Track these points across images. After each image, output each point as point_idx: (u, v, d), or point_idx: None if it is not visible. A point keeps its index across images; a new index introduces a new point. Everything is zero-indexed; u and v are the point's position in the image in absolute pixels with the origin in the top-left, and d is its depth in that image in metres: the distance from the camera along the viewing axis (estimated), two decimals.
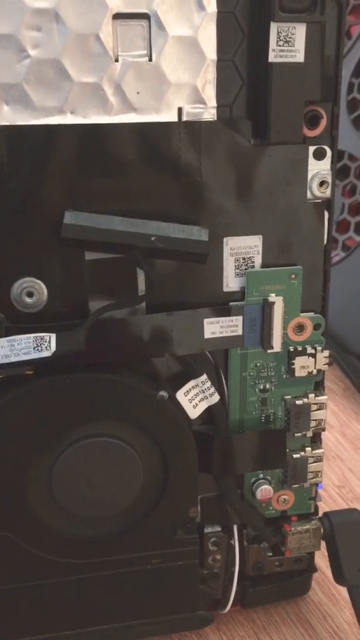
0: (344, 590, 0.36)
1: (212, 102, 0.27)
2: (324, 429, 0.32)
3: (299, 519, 0.33)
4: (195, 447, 0.30)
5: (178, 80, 0.26)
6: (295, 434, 0.31)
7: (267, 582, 0.35)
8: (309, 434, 0.32)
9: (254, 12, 0.25)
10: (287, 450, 0.31)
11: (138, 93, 0.26)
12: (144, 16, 0.25)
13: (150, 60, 0.26)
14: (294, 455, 0.32)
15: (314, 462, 0.32)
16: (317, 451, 0.32)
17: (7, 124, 0.25)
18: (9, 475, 0.28)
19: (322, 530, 0.33)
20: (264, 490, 0.32)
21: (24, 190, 0.26)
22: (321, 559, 0.35)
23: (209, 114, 0.27)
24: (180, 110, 0.26)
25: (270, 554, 0.34)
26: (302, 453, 0.32)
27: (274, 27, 0.25)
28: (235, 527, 0.32)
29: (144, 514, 0.30)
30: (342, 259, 0.52)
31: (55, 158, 0.26)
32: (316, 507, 0.34)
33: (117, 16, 0.25)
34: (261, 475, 0.32)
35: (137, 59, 0.25)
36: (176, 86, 0.26)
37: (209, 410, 0.30)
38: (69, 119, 0.25)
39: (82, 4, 0.24)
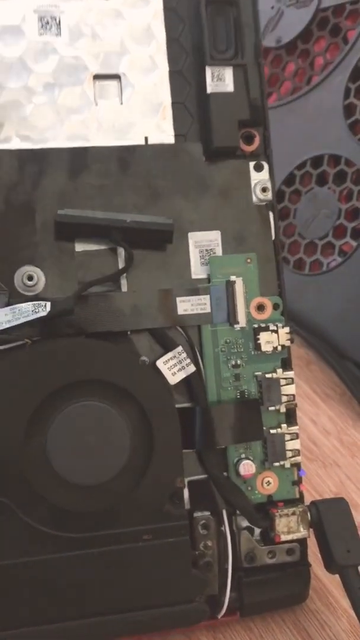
0: (342, 598, 0.36)
1: (171, 132, 0.35)
2: (295, 405, 0.35)
3: (286, 504, 0.34)
4: (177, 414, 0.33)
5: (143, 117, 0.35)
6: (269, 408, 0.34)
7: (264, 589, 0.35)
8: (282, 409, 0.35)
9: (196, 66, 0.35)
10: (264, 427, 0.34)
11: (113, 126, 0.35)
12: (116, 76, 0.35)
13: (121, 103, 0.35)
14: (271, 431, 0.34)
15: (291, 439, 0.35)
16: (293, 428, 0.35)
17: (17, 148, 0.33)
18: (5, 441, 0.31)
19: (309, 516, 0.34)
20: (246, 466, 0.34)
21: (28, 197, 0.33)
22: (318, 565, 0.35)
23: (169, 141, 0.35)
24: (146, 138, 0.35)
25: (262, 544, 0.34)
26: (279, 430, 0.35)
27: (208, 70, 0.34)
28: (224, 513, 0.34)
29: (133, 483, 0.32)
30: (338, 264, 0.53)
31: (52, 172, 0.34)
32: (301, 494, 0.35)
33: (96, 77, 0.35)
34: (243, 455, 0.34)
35: (112, 103, 0.35)
36: (142, 122, 0.35)
37: (187, 383, 0.34)
38: (63, 145, 0.34)
39: (71, 69, 0.34)
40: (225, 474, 0.34)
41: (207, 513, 0.34)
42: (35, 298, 0.33)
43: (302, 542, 0.35)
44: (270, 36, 0.60)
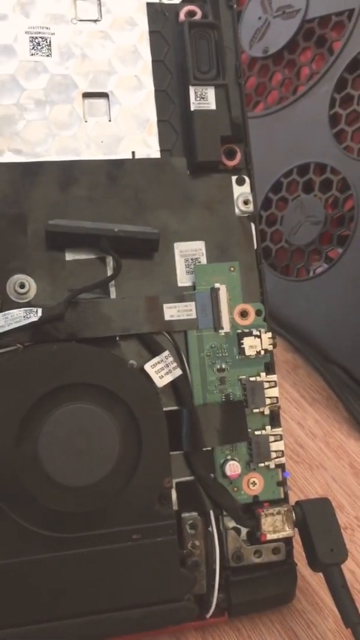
0: (327, 598, 0.36)
1: (156, 147, 0.37)
2: (279, 407, 0.36)
3: (271, 504, 0.35)
4: (164, 416, 0.34)
5: (130, 133, 0.37)
6: (254, 410, 0.36)
7: (252, 588, 0.35)
8: (267, 411, 0.36)
9: (180, 85, 0.37)
10: (249, 429, 0.35)
11: (102, 142, 0.36)
12: (104, 95, 0.37)
13: (110, 120, 0.36)
14: (256, 433, 0.36)
15: (275, 440, 0.36)
16: (277, 429, 0.36)
17: (9, 161, 0.35)
18: (2, 443, 0.32)
19: (294, 516, 0.35)
20: (232, 466, 0.35)
21: (20, 209, 0.35)
22: (304, 566, 0.36)
23: (155, 155, 0.37)
24: (133, 153, 0.37)
25: (249, 544, 0.35)
26: (263, 431, 0.36)
27: (192, 89, 0.36)
28: (211, 513, 0.35)
29: (122, 484, 0.33)
30: (325, 271, 0.53)
31: (43, 185, 0.35)
32: (286, 494, 0.36)
33: (86, 95, 0.36)
34: (229, 456, 0.35)
35: (100, 120, 0.36)
36: (129, 137, 0.37)
37: (174, 387, 0.35)
38: (54, 158, 0.35)
39: (61, 87, 0.36)
40: (212, 475, 0.35)
41: (194, 513, 0.35)
42: (27, 305, 0.34)
43: (288, 541, 0.36)
44: (257, 46, 0.61)
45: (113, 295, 0.35)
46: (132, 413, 0.33)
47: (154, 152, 0.37)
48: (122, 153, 0.36)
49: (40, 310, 0.33)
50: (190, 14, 0.37)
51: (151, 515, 0.33)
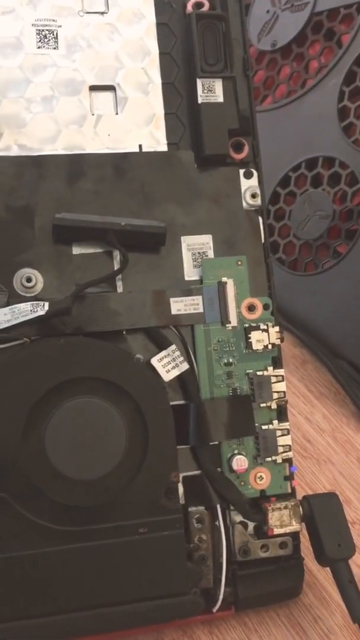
0: (335, 593, 0.36)
1: (163, 141, 0.37)
2: (286, 401, 0.36)
3: (278, 499, 0.35)
4: (171, 410, 0.34)
5: (137, 127, 0.36)
6: (261, 405, 0.36)
7: (259, 583, 0.35)
8: (274, 405, 0.36)
9: (187, 78, 0.37)
10: (257, 424, 0.35)
11: (109, 135, 0.36)
12: (111, 87, 0.37)
13: (117, 113, 0.36)
14: (263, 427, 0.35)
15: (282, 435, 0.36)
16: (284, 424, 0.36)
17: (17, 155, 0.35)
18: (4, 437, 0.32)
19: (301, 510, 0.35)
20: (239, 460, 0.35)
21: (27, 202, 0.35)
22: (311, 561, 0.36)
23: (162, 149, 0.37)
24: (140, 146, 0.36)
25: (256, 538, 0.35)
26: (270, 425, 0.36)
27: (199, 82, 0.36)
28: (218, 507, 0.35)
29: (129, 478, 0.33)
30: (333, 265, 0.53)
31: (50, 178, 0.35)
32: (293, 489, 0.36)
33: (92, 88, 0.36)
34: (236, 450, 0.35)
35: (107, 113, 0.36)
36: (136, 131, 0.36)
37: (181, 381, 0.35)
38: (61, 152, 0.35)
39: (68, 81, 0.36)
40: (219, 469, 0.35)
41: (201, 507, 0.35)
42: (34, 299, 0.34)
43: (295, 535, 0.36)
44: (266, 40, 0.61)
45: (120, 289, 0.35)
46: (139, 407, 0.33)
47: (161, 145, 0.37)
48: (129, 146, 0.36)
49: (47, 304, 0.33)
50: (198, 5, 0.37)
51: (158, 509, 0.33)
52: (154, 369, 0.34)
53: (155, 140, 0.37)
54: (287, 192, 0.58)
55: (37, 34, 0.36)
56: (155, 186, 0.36)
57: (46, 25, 0.36)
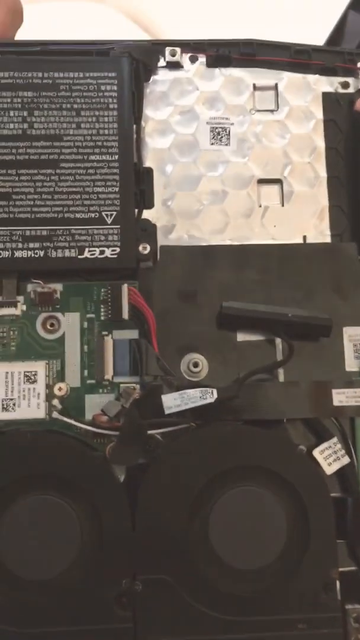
0: None
1: (327, 232, 0.38)
2: None
3: None
4: (332, 504, 0.34)
5: (302, 218, 0.38)
6: None
7: None
8: None
9: (351, 170, 0.38)
10: None
11: (274, 226, 0.37)
12: (278, 181, 0.38)
13: (282, 205, 0.38)
14: None
15: None
16: None
17: (187, 245, 0.37)
18: (171, 520, 0.33)
19: None
20: None
21: (196, 288, 0.36)
22: None
23: (325, 240, 0.37)
24: (304, 237, 0.37)
25: None
26: None
27: None
28: None
29: (289, 570, 0.33)
30: None
31: (218, 267, 0.36)
32: None
33: (260, 181, 0.38)
34: None
35: (273, 205, 0.38)
36: (301, 223, 0.38)
37: (339, 473, 0.35)
38: (228, 242, 0.37)
39: (237, 175, 0.38)
40: None
41: (358, 606, 0.34)
42: (198, 384, 0.35)
43: None
44: None
45: (281, 377, 0.36)
46: (301, 499, 0.33)
47: (325, 236, 0.37)
48: (294, 237, 0.37)
49: (215, 392, 0.34)
50: None
51: (318, 605, 0.33)
52: (314, 460, 0.34)
53: (319, 231, 0.37)
54: None
55: (210, 131, 0.38)
56: (318, 277, 0.37)
57: (220, 123, 0.38)
